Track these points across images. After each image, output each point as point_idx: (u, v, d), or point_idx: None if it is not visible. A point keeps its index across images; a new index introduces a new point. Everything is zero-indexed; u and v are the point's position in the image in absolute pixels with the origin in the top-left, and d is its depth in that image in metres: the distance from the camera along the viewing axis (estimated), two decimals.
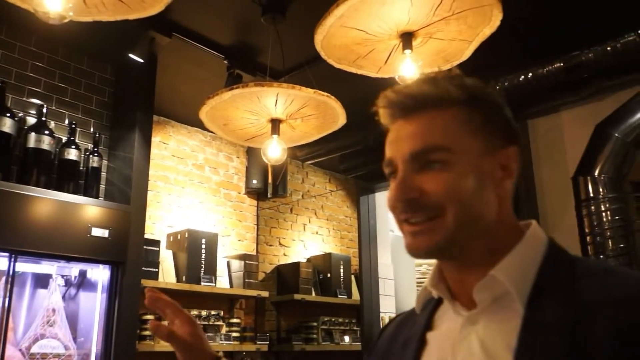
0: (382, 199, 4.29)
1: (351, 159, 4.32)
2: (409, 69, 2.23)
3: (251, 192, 4.77)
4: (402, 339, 0.90)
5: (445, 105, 0.80)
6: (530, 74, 2.91)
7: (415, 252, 0.81)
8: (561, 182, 3.08)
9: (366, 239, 4.01)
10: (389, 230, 4.39)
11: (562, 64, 2.83)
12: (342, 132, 3.12)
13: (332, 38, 2.21)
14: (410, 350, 0.86)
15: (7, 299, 2.64)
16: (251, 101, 2.56)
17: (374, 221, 4.09)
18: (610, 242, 2.73)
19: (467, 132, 0.80)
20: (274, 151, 2.71)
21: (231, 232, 4.54)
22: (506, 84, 2.95)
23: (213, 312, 3.92)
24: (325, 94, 2.51)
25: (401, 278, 4.26)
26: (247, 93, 2.47)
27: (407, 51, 2.21)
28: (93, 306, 3.12)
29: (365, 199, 4.13)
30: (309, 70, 3.04)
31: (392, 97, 0.83)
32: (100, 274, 3.11)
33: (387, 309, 3.96)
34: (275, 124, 2.72)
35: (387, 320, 3.83)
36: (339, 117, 2.74)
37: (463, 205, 0.77)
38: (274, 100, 2.55)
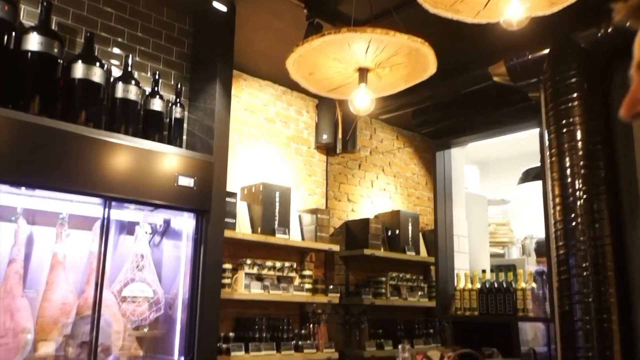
0: (457, 155, 4.17)
1: (425, 113, 4.20)
2: (515, 10, 2.09)
3: (320, 147, 4.75)
4: None
5: None
6: None
7: None
8: None
9: (441, 195, 3.93)
10: (464, 187, 4.29)
11: None
12: (417, 86, 3.01)
13: None
14: None
15: (103, 244, 2.74)
16: (341, 48, 2.48)
17: (449, 177, 4.00)
18: None
19: None
20: (362, 101, 2.64)
21: (301, 186, 4.55)
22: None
23: (287, 264, 3.98)
24: (419, 39, 2.40)
25: (474, 236, 4.18)
26: (339, 39, 2.39)
27: None
28: (176, 253, 3.21)
29: (441, 154, 4.02)
30: (397, 16, 2.92)
31: None
32: (183, 222, 3.19)
33: (462, 266, 3.90)
34: (363, 72, 2.64)
35: (462, 277, 3.74)
36: (429, 66, 2.63)
37: None
38: (365, 47, 2.46)
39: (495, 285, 3.52)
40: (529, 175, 4.51)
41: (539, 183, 4.48)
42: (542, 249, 4.20)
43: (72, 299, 2.80)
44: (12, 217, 2.73)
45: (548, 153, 3.00)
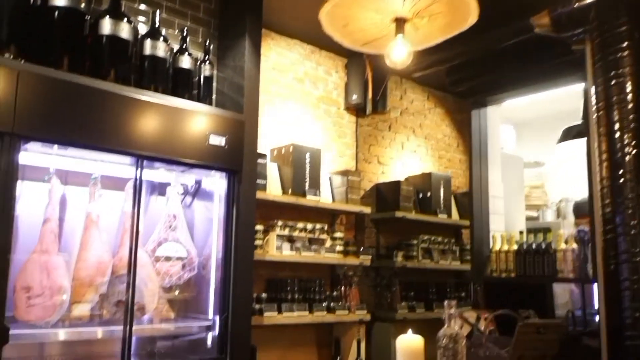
0: (493, 114, 4.03)
1: (460, 71, 4.04)
2: None
3: (350, 108, 4.64)
4: None
5: None
6: None
7: None
8: None
9: (477, 155, 3.80)
10: (499, 148, 4.15)
11: None
12: (451, 41, 2.87)
13: None
14: None
15: (136, 204, 2.72)
16: None
17: (485, 137, 3.86)
18: None
19: None
20: (399, 53, 2.52)
21: (331, 148, 4.47)
22: None
23: (318, 226, 3.94)
24: None
25: (510, 197, 4.07)
26: None
27: None
28: (207, 215, 3.19)
29: (477, 113, 3.88)
30: None
31: None
32: (215, 183, 3.15)
33: (497, 228, 3.81)
34: (401, 23, 2.51)
35: (498, 239, 3.59)
36: (470, 14, 2.48)
37: None
38: None
39: (533, 247, 3.42)
40: (570, 133, 4.34)
41: (577, 143, 4.32)
42: (581, 210, 4.07)
43: (108, 257, 2.80)
44: (45, 176, 2.71)
45: (594, 107, 2.85)
